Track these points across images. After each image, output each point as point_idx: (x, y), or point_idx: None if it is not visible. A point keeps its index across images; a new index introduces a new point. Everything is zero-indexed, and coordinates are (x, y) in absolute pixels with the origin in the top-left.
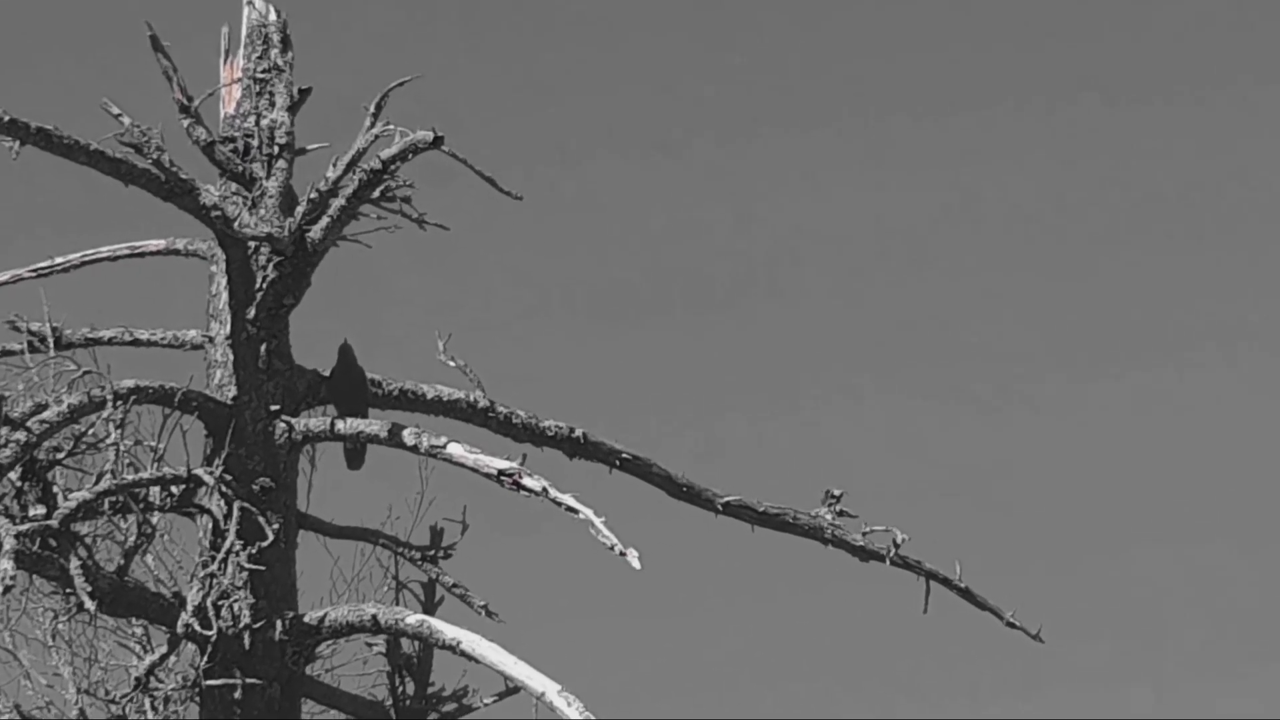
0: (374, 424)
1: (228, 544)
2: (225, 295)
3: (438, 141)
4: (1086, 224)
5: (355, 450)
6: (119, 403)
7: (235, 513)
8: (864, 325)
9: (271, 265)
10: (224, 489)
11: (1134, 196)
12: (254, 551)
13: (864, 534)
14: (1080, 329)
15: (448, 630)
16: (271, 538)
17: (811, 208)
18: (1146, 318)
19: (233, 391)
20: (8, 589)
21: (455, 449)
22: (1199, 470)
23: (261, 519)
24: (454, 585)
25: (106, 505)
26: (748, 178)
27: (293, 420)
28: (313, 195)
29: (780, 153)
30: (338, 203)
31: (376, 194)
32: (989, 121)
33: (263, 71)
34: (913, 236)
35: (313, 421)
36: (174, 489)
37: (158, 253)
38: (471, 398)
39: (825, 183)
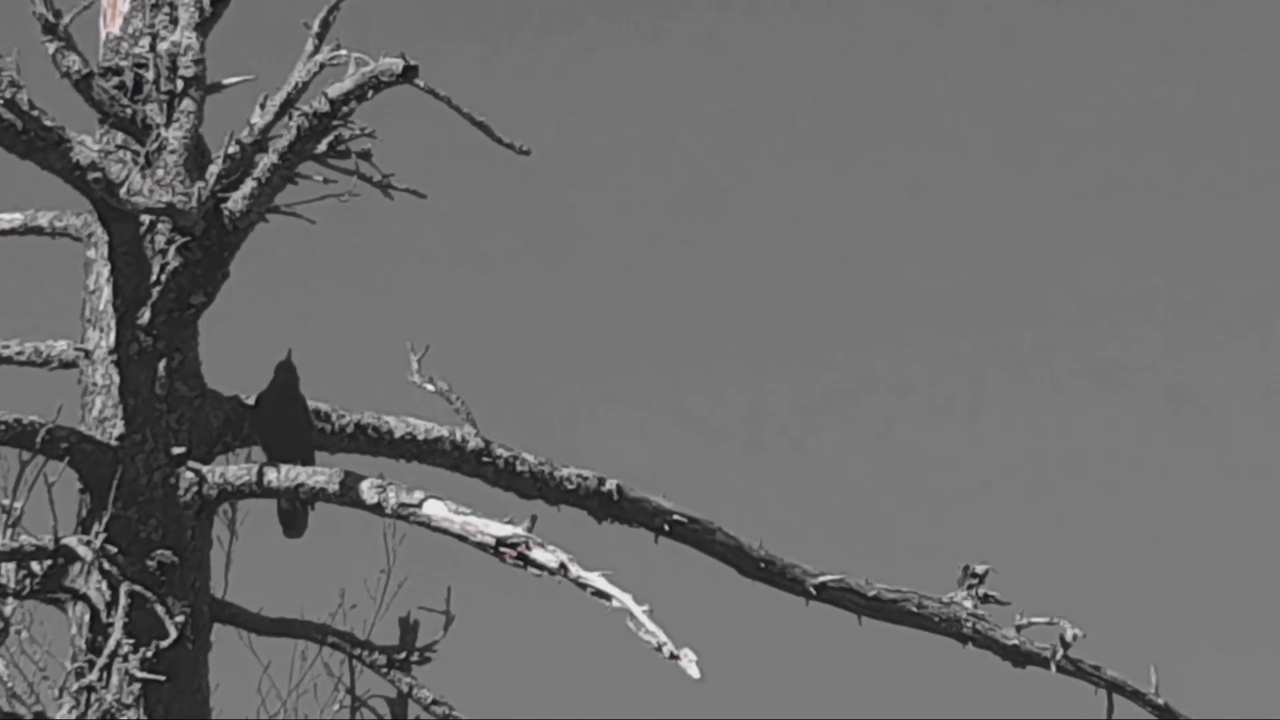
0: (320, 474)
1: (112, 644)
2: (108, 292)
3: (409, 73)
4: None
5: (294, 511)
6: None
7: (123, 600)
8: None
9: (174, 249)
10: (107, 566)
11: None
12: (150, 655)
13: (1019, 628)
14: None
15: None
16: (175, 635)
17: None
18: None
19: (119, 428)
20: None
21: (435, 508)
22: None
23: (160, 608)
24: (434, 701)
25: None
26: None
27: (204, 469)
28: (232, 150)
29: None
30: (268, 160)
31: (323, 147)
32: None
33: None
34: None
35: (233, 471)
36: (36, 566)
37: (12, 231)
38: (459, 436)
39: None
